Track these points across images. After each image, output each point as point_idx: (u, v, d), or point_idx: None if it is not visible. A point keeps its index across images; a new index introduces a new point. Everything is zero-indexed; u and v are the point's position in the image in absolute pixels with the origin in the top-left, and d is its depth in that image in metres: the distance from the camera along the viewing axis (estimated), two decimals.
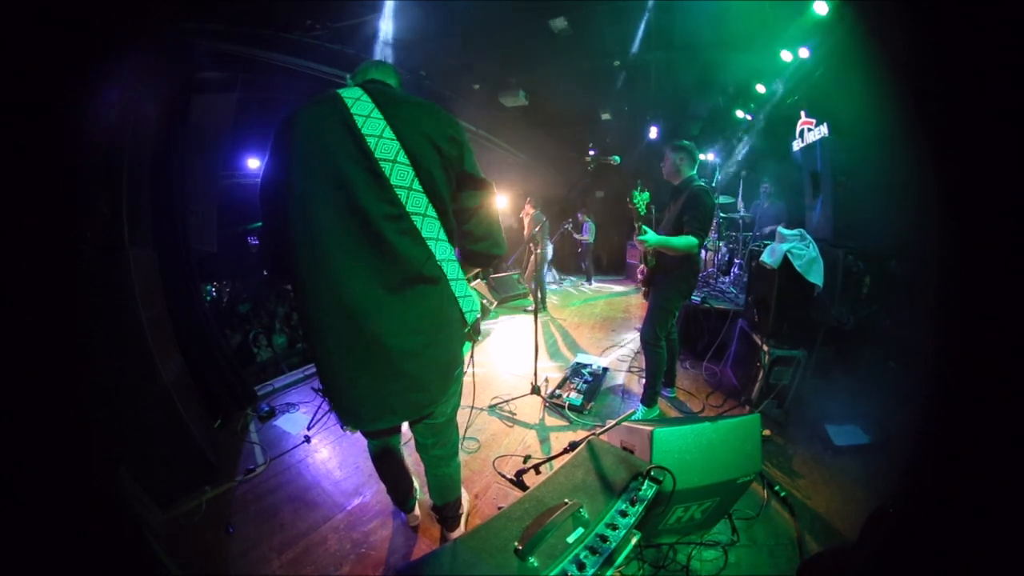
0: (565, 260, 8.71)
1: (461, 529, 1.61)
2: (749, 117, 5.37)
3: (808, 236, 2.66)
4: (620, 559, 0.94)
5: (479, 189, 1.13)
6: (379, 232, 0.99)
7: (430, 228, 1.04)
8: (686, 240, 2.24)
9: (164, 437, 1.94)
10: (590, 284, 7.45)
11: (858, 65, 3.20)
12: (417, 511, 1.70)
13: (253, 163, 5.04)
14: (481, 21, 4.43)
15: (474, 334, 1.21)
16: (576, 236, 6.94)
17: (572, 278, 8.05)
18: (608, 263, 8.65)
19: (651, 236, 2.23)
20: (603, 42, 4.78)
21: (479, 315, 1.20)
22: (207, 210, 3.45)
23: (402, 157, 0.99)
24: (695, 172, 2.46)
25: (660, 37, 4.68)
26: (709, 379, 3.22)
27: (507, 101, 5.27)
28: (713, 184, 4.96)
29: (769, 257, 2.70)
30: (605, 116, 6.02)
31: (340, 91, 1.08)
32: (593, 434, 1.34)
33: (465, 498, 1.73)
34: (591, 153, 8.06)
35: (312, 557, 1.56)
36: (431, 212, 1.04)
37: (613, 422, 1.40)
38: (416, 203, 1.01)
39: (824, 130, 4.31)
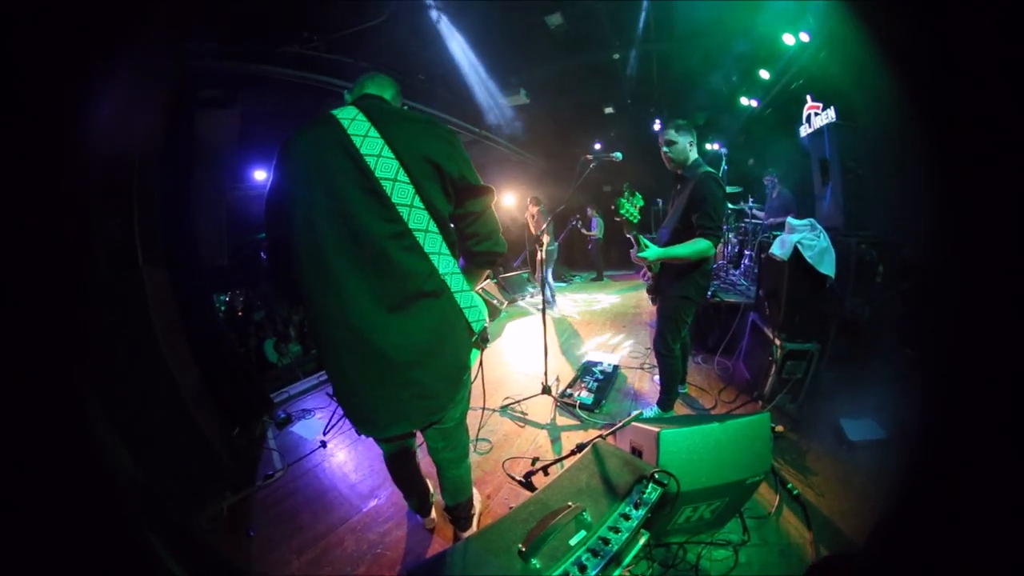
0: (574, 256, 8.71)
1: (473, 529, 1.65)
2: (755, 103, 5.29)
3: (819, 226, 2.60)
4: (628, 559, 0.96)
5: (482, 195, 1.17)
6: (383, 251, 1.03)
7: (432, 243, 1.07)
8: (696, 247, 1.95)
9: (184, 447, 2.02)
10: (600, 280, 7.45)
11: (861, 45, 3.15)
12: (433, 514, 1.75)
13: (260, 175, 5.16)
14: (478, 22, 4.45)
15: (481, 342, 1.24)
16: (584, 232, 6.95)
17: (581, 274, 8.04)
18: (617, 257, 8.63)
19: (652, 251, 1.95)
20: (601, 36, 4.76)
21: (486, 324, 1.23)
22: (216, 224, 3.52)
23: (402, 176, 1.02)
24: (698, 154, 2.20)
25: (660, 28, 4.65)
26: (721, 374, 3.20)
27: (509, 100, 5.29)
28: (720, 175, 4.91)
29: (779, 249, 2.64)
30: (608, 110, 6.00)
31: (335, 111, 1.10)
32: (600, 436, 1.36)
33: (477, 498, 1.77)
34: (596, 146, 8.06)
35: (330, 558, 1.62)
36: (432, 227, 1.07)
37: (620, 423, 1.42)
38: (418, 220, 1.05)
39: (831, 114, 4.21)
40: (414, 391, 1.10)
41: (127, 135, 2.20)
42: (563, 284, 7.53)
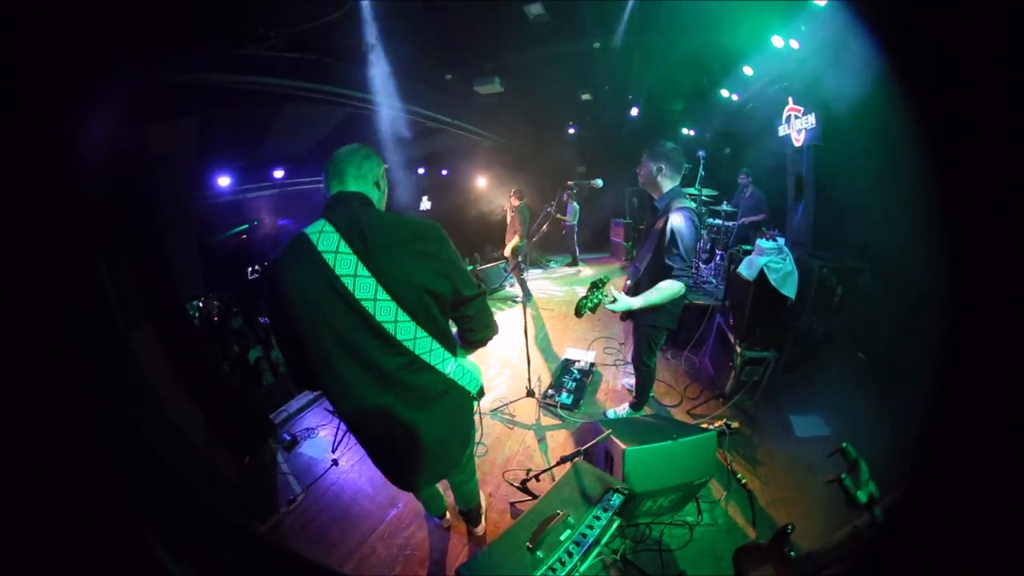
0: (550, 240, 9.26)
1: (482, 524, 2.22)
2: (735, 97, 5.74)
3: (786, 249, 3.07)
4: (605, 539, 1.52)
5: (476, 298, 1.36)
6: (398, 379, 1.24)
7: (437, 356, 1.28)
8: (668, 291, 2.17)
9: (208, 493, 2.29)
10: (575, 264, 8.10)
11: (853, 65, 3.44)
12: (448, 515, 2.27)
13: (224, 180, 5.31)
14: (451, 10, 4.63)
15: (479, 396, 1.60)
16: (560, 217, 7.40)
17: (557, 259, 8.66)
18: (592, 241, 9.30)
19: (621, 303, 2.13)
20: (582, 26, 5.03)
21: (482, 383, 1.56)
22: (189, 253, 3.64)
23: (402, 316, 1.17)
24: (678, 184, 2.34)
25: (644, 19, 4.89)
26: (688, 370, 3.85)
27: (482, 89, 5.56)
28: (696, 181, 5.34)
29: (746, 269, 3.15)
30: (585, 96, 6.36)
31: (314, 236, 1.15)
32: (579, 453, 1.93)
33: (483, 498, 2.30)
34: (571, 131, 8.42)
35: (368, 565, 2.12)
36: (436, 345, 1.27)
37: (594, 441, 1.99)
38: (423, 345, 1.23)
39: (811, 120, 4.61)
40: (439, 459, 1.46)
41: (82, 183, 2.07)
42: (539, 270, 8.09)
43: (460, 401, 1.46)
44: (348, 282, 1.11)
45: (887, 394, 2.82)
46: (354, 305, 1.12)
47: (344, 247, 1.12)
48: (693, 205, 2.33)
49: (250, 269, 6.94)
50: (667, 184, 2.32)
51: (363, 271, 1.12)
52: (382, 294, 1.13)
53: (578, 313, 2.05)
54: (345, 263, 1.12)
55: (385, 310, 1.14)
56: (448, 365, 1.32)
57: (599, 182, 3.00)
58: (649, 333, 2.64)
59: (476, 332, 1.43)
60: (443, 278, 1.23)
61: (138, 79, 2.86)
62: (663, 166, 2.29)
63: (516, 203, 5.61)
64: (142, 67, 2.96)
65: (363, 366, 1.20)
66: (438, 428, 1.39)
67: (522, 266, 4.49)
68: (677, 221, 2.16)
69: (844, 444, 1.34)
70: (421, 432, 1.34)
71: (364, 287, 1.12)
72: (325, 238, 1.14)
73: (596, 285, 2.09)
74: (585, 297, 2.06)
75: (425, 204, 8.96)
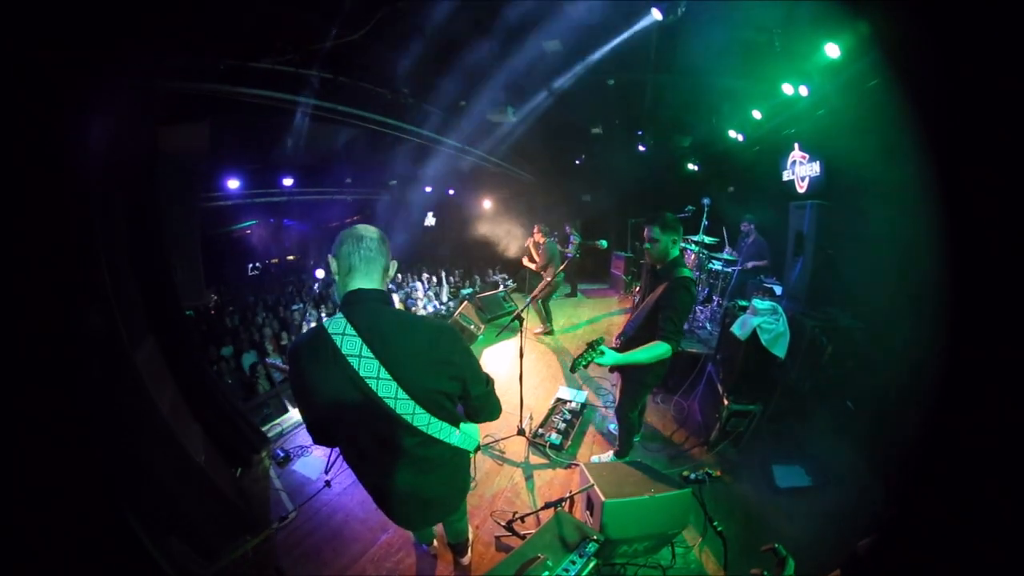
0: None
1: (468, 555, 2.48)
2: (741, 138, 6.09)
3: (780, 310, 3.29)
4: None
5: (483, 390, 1.57)
6: (414, 454, 1.49)
7: (446, 432, 1.51)
8: (655, 351, 2.29)
9: (202, 503, 2.48)
10: (574, 296, 8.48)
11: (861, 119, 3.74)
12: (435, 543, 2.53)
13: (233, 183, 5.58)
14: (469, 42, 4.95)
15: (476, 451, 1.84)
16: (561, 249, 7.77)
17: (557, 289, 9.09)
18: (593, 271, 9.63)
19: (609, 357, 2.25)
20: (598, 63, 5.39)
21: (480, 442, 1.81)
22: (193, 261, 3.70)
23: (419, 409, 1.39)
24: (678, 251, 2.52)
25: (660, 60, 5.24)
26: (676, 415, 4.09)
27: (495, 117, 5.89)
28: (700, 230, 5.65)
29: (739, 329, 3.39)
30: (596, 130, 6.73)
31: (337, 340, 1.29)
32: (561, 501, 2.19)
33: (470, 531, 2.55)
34: (577, 162, 8.80)
35: None
36: (444, 424, 1.49)
37: (577, 491, 2.26)
38: (434, 427, 1.46)
39: (816, 168, 4.96)
40: (440, 509, 1.77)
41: (87, 184, 2.10)
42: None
43: (462, 462, 1.73)
44: (372, 384, 1.31)
45: (871, 445, 3.05)
46: (377, 402, 1.33)
47: (366, 351, 1.30)
48: (692, 275, 2.51)
49: (250, 265, 7.15)
50: (674, 252, 2.50)
51: (385, 374, 1.31)
52: (402, 394, 1.34)
53: (572, 369, 2.23)
54: (368, 366, 1.30)
55: (404, 405, 1.36)
56: (454, 436, 1.55)
57: (603, 243, 3.35)
58: (636, 388, 2.93)
59: (480, 416, 1.64)
60: (456, 380, 1.46)
61: (145, 85, 2.99)
62: (675, 238, 2.46)
63: (542, 240, 5.74)
64: (150, 74, 3.08)
65: (383, 444, 1.46)
66: (442, 486, 1.67)
67: (539, 299, 4.64)
68: (676, 288, 2.37)
69: (776, 544, 1.56)
70: (428, 491, 1.63)
71: (386, 387, 1.32)
72: (348, 341, 1.30)
73: (592, 345, 2.25)
74: (581, 355, 2.23)
75: (430, 220, 9.25)
